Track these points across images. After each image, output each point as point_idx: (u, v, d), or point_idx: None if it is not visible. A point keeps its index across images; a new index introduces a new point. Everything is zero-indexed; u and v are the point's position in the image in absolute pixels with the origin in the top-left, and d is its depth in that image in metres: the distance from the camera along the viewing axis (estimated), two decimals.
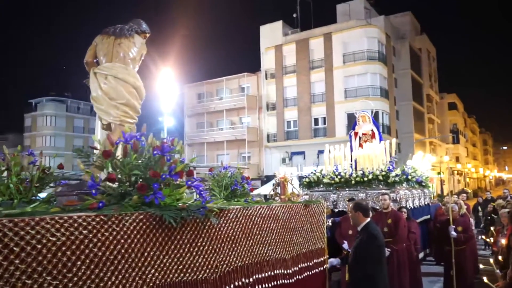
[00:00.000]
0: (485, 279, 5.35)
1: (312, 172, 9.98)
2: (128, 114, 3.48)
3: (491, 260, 5.76)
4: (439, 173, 38.88)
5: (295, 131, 35.35)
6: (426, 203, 10.86)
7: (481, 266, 6.96)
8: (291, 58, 35.73)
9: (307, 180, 9.98)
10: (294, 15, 38.02)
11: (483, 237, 10.42)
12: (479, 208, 14.90)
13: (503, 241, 6.60)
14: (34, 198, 3.19)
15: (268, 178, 28.94)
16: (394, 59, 37.45)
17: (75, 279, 2.14)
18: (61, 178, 3.66)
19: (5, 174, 3.11)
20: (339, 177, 9.20)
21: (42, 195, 3.30)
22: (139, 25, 3.85)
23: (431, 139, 44.02)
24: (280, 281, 3.68)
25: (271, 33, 37.50)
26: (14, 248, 1.94)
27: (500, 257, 6.06)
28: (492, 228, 9.08)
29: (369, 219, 4.60)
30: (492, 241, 8.54)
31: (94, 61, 3.65)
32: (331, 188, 9.41)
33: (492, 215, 12.09)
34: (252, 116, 38.27)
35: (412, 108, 38.78)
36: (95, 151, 3.08)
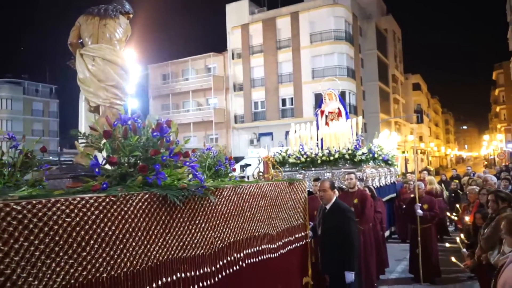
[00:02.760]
0: (453, 258, 5.19)
1: (277, 152, 9.63)
2: (118, 96, 3.47)
3: (458, 239, 5.60)
4: (403, 152, 39.73)
5: (263, 112, 35.00)
6: (392, 181, 10.79)
7: (447, 244, 6.88)
8: (258, 38, 35.08)
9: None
10: None
11: (448, 213, 10.46)
12: (443, 185, 15.06)
13: (467, 218, 6.51)
14: (17, 182, 3.20)
15: (236, 160, 28.52)
16: (360, 39, 37.47)
17: (89, 257, 2.22)
18: (45, 162, 3.66)
19: None
20: (304, 156, 8.89)
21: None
22: (123, 5, 3.79)
23: (396, 118, 44.80)
24: (267, 255, 3.90)
25: (237, 12, 36.60)
26: (34, 229, 1.98)
27: (462, 235, 5.95)
28: (457, 205, 9.08)
29: (336, 196, 4.87)
30: (457, 218, 8.52)
31: (79, 42, 3.61)
32: (297, 168, 9.10)
33: (458, 191, 12.21)
34: (219, 97, 37.57)
35: (378, 88, 39.16)
36: (92, 132, 3.05)
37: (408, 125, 51.75)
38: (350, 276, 4.45)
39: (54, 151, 36.90)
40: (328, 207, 4.76)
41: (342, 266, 4.49)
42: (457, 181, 13.27)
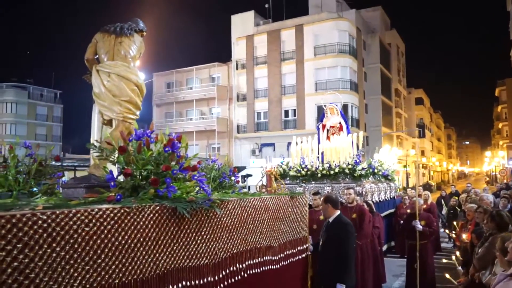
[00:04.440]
0: (447, 275, 5.31)
1: (278, 165, 9.79)
2: (131, 110, 3.62)
3: (453, 257, 5.73)
4: (405, 166, 39.79)
5: (265, 122, 35.20)
6: (391, 196, 10.91)
7: (444, 260, 6.97)
8: (262, 49, 35.44)
9: None
10: (266, 6, 37.66)
11: (446, 230, 10.55)
12: (442, 201, 15.16)
13: (464, 236, 6.62)
14: (31, 190, 3.39)
15: (238, 170, 28.64)
16: (364, 53, 37.80)
17: (103, 264, 2.38)
18: (58, 170, 3.89)
19: None
20: (305, 170, 9.04)
21: None
22: (137, 23, 3.97)
23: (398, 132, 44.93)
24: (268, 267, 4.02)
25: (242, 23, 37.02)
26: (56, 237, 2.15)
27: (458, 253, 6.06)
28: (454, 223, 9.17)
29: (339, 211, 4.94)
30: (455, 235, 8.62)
31: (95, 58, 3.78)
32: (298, 181, 9.25)
33: (456, 208, 12.29)
34: (222, 107, 37.83)
35: (380, 102, 39.36)
36: (107, 145, 3.21)
37: (410, 139, 51.85)
38: None
39: (57, 155, 37.04)
40: (330, 220, 4.92)
41: (335, 278, 4.61)
42: (456, 197, 13.35)
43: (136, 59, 3.88)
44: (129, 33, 3.84)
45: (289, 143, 9.92)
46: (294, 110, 34.03)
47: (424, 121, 62.93)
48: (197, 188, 3.27)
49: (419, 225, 7.13)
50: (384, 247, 9.90)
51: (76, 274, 2.23)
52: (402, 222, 8.44)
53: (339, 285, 4.57)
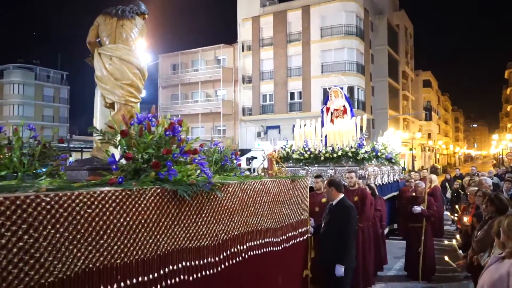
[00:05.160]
0: (446, 258, 5.38)
1: (281, 147, 9.84)
2: (133, 94, 3.65)
3: (454, 241, 5.79)
4: (411, 149, 39.68)
5: (271, 105, 35.12)
6: (395, 179, 10.95)
7: (445, 242, 7.03)
8: (268, 31, 35.10)
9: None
10: None
11: (448, 213, 10.61)
12: (447, 184, 15.18)
13: (465, 219, 6.68)
14: (36, 171, 3.44)
15: (243, 152, 28.80)
16: (371, 35, 37.30)
17: (105, 245, 2.47)
18: (63, 152, 3.96)
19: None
20: (308, 153, 9.08)
21: None
22: (139, 6, 3.96)
23: (404, 115, 44.66)
24: (270, 248, 4.09)
25: (248, 4, 36.57)
26: (59, 219, 2.22)
27: (458, 237, 6.12)
28: (457, 206, 9.21)
29: (342, 195, 5.05)
30: (457, 218, 8.67)
31: (97, 41, 3.79)
32: (301, 164, 9.30)
33: (460, 191, 12.32)
34: (227, 89, 37.73)
35: (387, 84, 39.00)
36: (109, 129, 3.27)
37: (416, 122, 51.54)
38: (339, 270, 4.69)
39: (63, 137, 37.41)
40: (334, 203, 5.03)
41: (335, 259, 4.73)
42: (460, 181, 13.37)
43: (137, 42, 3.86)
44: (131, 16, 3.82)
45: (295, 126, 9.94)
46: (300, 92, 33.88)
47: (432, 104, 62.41)
48: (198, 171, 3.31)
49: (416, 208, 7.18)
50: (386, 230, 9.99)
51: (79, 254, 2.31)
52: (405, 204, 8.50)
53: (338, 266, 4.69)
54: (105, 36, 3.72)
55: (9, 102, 49.10)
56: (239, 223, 3.66)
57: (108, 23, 3.75)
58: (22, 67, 51.32)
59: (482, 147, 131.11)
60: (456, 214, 9.33)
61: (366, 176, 8.45)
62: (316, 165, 9.08)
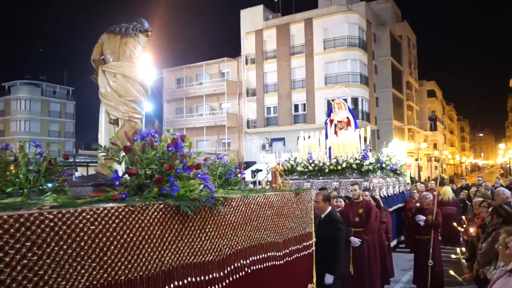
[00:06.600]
0: (451, 272, 5.32)
1: (286, 160, 9.84)
2: (136, 110, 3.70)
3: (458, 250, 5.73)
4: (416, 159, 39.49)
5: (275, 117, 35.21)
6: (400, 191, 10.88)
7: (452, 256, 6.97)
8: (271, 43, 35.37)
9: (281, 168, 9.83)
10: (275, 0, 37.51)
11: (455, 224, 10.50)
12: (454, 195, 15.03)
13: (471, 230, 6.62)
14: (41, 187, 3.48)
15: (248, 165, 28.81)
16: (374, 46, 37.47)
17: (109, 261, 2.46)
18: (68, 168, 4.00)
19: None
20: (312, 165, 9.08)
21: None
22: (142, 23, 4.01)
23: (409, 126, 44.55)
24: (273, 262, 4.07)
25: (251, 18, 36.97)
26: (63, 236, 2.22)
27: (463, 249, 6.04)
28: (463, 217, 9.13)
29: (330, 207, 5.34)
30: (463, 229, 8.58)
31: (101, 58, 3.85)
32: (305, 177, 9.29)
33: (466, 201, 12.20)
34: (232, 102, 37.91)
35: (391, 95, 39.05)
36: (112, 145, 3.31)
37: (422, 132, 51.38)
38: (328, 278, 4.87)
39: (69, 152, 37.58)
40: (322, 216, 5.17)
41: (326, 269, 4.88)
42: (466, 191, 13.26)
43: (140, 59, 3.91)
44: (134, 34, 3.88)
45: (299, 138, 9.96)
46: (304, 104, 33.97)
47: (437, 114, 62.24)
48: (201, 186, 3.31)
49: (421, 219, 7.12)
50: (394, 242, 9.90)
51: (83, 271, 2.31)
52: (410, 216, 8.43)
53: (328, 275, 4.88)
54: (109, 54, 3.78)
55: (16, 118, 49.60)
56: (243, 237, 3.64)
57: (112, 40, 3.81)
58: (28, 83, 51.93)
59: (488, 156, 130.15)
60: (462, 225, 9.24)
61: (371, 188, 8.41)
62: (320, 178, 9.06)
